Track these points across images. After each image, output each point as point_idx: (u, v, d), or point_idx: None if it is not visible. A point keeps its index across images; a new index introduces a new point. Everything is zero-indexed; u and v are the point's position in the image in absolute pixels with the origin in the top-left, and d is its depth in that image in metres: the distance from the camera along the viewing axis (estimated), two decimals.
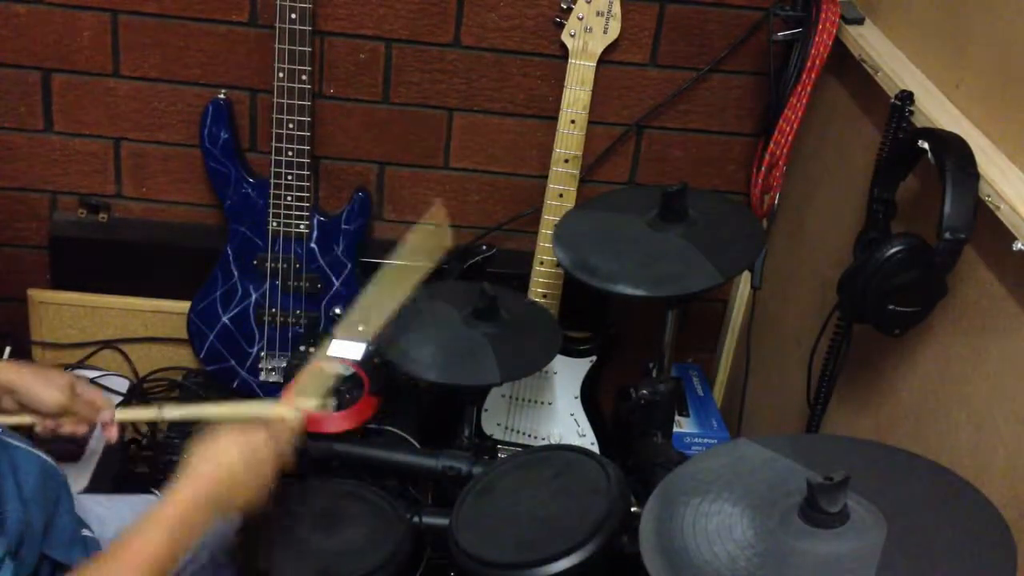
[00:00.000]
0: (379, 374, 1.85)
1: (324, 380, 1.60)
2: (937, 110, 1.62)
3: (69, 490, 1.41)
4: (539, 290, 2.23)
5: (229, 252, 2.19)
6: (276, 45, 2.00)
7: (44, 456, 1.37)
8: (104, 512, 1.53)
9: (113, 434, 1.50)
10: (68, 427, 1.47)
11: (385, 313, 1.57)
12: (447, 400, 2.08)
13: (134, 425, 2.25)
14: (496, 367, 1.73)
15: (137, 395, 2.28)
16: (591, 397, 2.31)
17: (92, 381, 2.22)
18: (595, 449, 2.22)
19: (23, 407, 1.43)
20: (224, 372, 2.27)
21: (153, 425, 2.26)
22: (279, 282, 2.20)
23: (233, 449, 1.31)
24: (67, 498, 1.39)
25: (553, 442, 2.27)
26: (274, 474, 1.33)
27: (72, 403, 1.44)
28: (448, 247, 1.59)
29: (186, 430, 2.17)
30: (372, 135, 2.24)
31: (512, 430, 2.31)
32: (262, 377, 2.27)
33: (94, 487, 1.95)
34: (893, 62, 1.77)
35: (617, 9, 2.06)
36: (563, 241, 1.77)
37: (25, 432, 1.46)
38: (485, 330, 1.77)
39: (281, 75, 2.01)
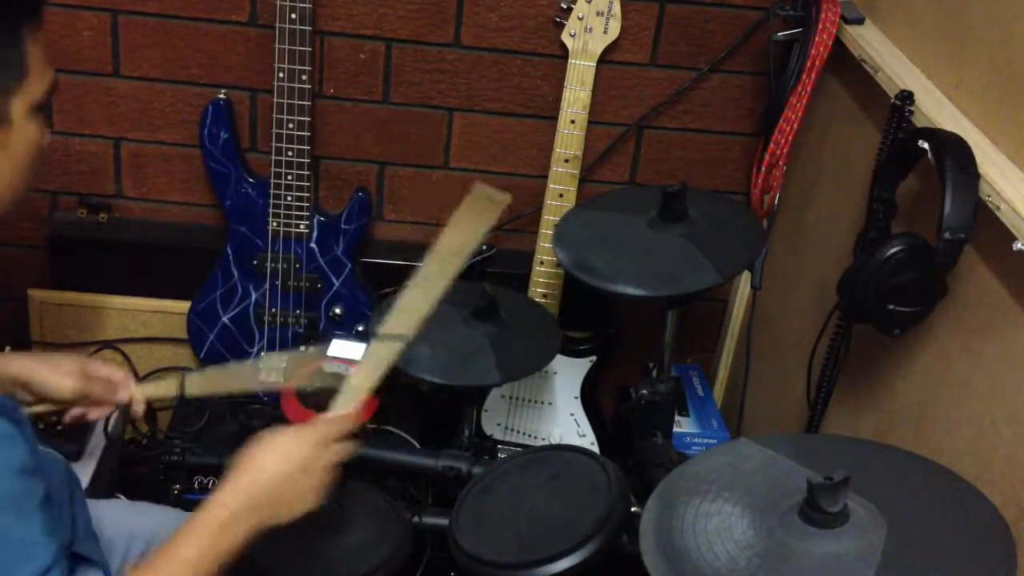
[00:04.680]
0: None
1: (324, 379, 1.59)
2: (937, 110, 1.62)
3: (80, 483, 1.42)
4: (539, 290, 2.23)
5: (229, 252, 2.19)
6: (276, 45, 2.00)
7: (59, 456, 1.38)
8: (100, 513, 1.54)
9: (140, 410, 1.50)
10: (93, 414, 1.48)
11: (423, 310, 1.49)
12: (447, 400, 2.08)
13: (134, 425, 2.25)
14: (496, 367, 1.73)
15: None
16: (591, 397, 2.31)
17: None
18: (595, 449, 2.22)
19: (39, 398, 1.44)
20: None
21: (153, 425, 2.26)
22: (279, 282, 2.20)
23: (279, 458, 1.26)
24: (79, 491, 1.40)
25: (553, 442, 2.27)
26: (323, 482, 1.29)
27: (86, 386, 1.45)
28: (494, 222, 1.55)
29: (187, 430, 2.18)
30: (372, 135, 2.24)
31: (512, 430, 2.31)
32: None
33: (94, 487, 1.95)
34: (893, 62, 1.77)
35: (617, 9, 2.06)
36: (563, 241, 1.77)
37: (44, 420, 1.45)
38: (485, 330, 1.77)
39: (281, 75, 2.01)
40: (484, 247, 2.27)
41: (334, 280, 2.20)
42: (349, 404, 1.40)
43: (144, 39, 2.14)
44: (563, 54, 2.11)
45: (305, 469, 1.27)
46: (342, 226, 2.18)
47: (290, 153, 2.08)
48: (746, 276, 2.30)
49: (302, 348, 2.21)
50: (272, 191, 2.12)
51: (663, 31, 2.17)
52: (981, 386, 1.52)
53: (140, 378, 2.28)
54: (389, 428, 1.96)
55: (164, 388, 1.52)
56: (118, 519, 1.54)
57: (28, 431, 1.16)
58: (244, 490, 1.24)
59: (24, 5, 1.17)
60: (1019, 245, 1.36)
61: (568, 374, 2.29)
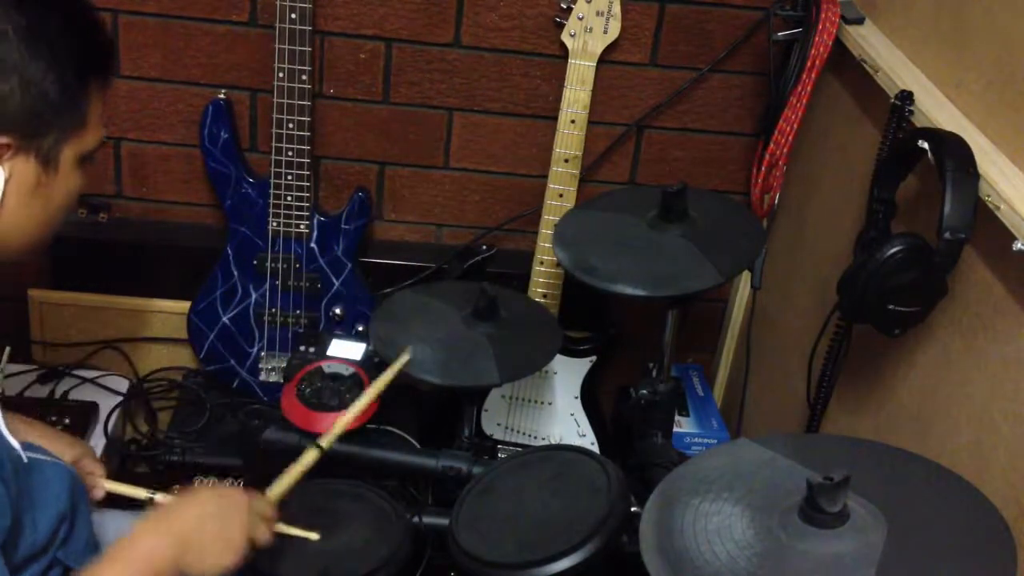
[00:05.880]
0: (379, 374, 1.85)
1: None
2: (937, 110, 1.62)
3: (87, 500, 1.42)
4: (539, 290, 2.23)
5: (229, 252, 2.19)
6: (276, 45, 2.00)
7: (69, 467, 1.39)
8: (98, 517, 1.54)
9: (99, 495, 1.53)
10: None
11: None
12: (447, 400, 2.08)
13: (134, 425, 2.26)
14: (496, 367, 1.73)
15: (137, 396, 2.28)
16: (591, 397, 2.31)
17: (91, 383, 2.23)
18: (595, 449, 2.22)
19: None
20: (224, 372, 2.27)
21: (153, 425, 2.26)
22: (279, 282, 2.20)
23: (208, 506, 1.31)
24: (85, 508, 1.40)
25: (553, 442, 2.27)
26: (243, 543, 1.31)
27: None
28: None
29: (187, 430, 2.18)
30: (372, 135, 2.24)
31: (512, 430, 2.31)
32: (262, 377, 2.27)
33: None
34: (893, 62, 1.77)
35: (617, 9, 2.06)
36: (563, 241, 1.77)
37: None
38: (485, 330, 1.77)
39: (281, 75, 2.01)
40: (484, 247, 2.27)
41: (334, 280, 2.21)
42: (279, 489, 1.45)
43: (144, 39, 2.14)
44: (563, 54, 2.11)
45: (222, 518, 1.30)
46: (342, 226, 2.18)
47: (290, 153, 2.08)
48: (746, 276, 2.30)
49: (302, 348, 2.22)
50: (272, 191, 2.12)
51: (663, 31, 2.18)
52: (981, 386, 1.52)
53: (137, 383, 2.30)
54: (389, 428, 1.96)
55: (134, 492, 1.53)
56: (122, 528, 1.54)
57: None
58: (169, 524, 1.27)
59: (98, 61, 1.24)
60: (1019, 245, 1.36)
61: (568, 374, 2.29)
